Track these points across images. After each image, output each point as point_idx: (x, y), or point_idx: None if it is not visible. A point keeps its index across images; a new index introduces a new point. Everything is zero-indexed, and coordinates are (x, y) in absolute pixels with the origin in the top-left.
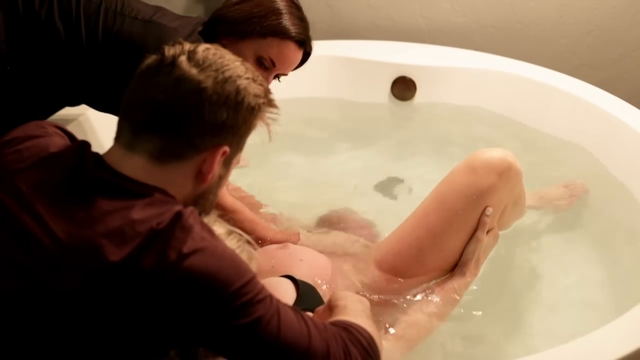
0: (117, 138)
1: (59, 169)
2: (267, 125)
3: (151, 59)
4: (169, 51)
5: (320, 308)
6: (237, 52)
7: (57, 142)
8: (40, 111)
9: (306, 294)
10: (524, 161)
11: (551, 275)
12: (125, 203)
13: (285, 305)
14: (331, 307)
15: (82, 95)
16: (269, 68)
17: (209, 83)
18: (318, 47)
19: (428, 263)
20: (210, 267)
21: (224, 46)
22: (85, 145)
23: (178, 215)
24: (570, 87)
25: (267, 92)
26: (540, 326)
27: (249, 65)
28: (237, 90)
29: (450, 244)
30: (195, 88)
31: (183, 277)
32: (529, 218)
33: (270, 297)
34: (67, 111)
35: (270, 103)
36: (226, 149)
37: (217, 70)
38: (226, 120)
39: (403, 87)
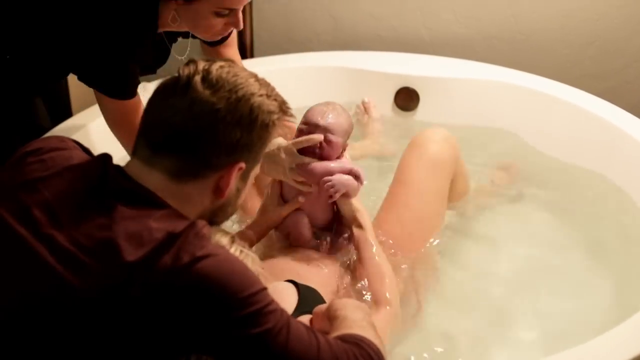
0: (135, 153)
1: (81, 178)
2: (285, 135)
3: (167, 79)
4: (184, 71)
5: (318, 311)
6: (193, 15)
7: (79, 155)
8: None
9: (307, 298)
10: (526, 170)
11: (553, 283)
12: (144, 211)
13: (300, 323)
14: (330, 318)
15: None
16: (229, 15)
17: (222, 104)
18: (321, 57)
19: (415, 237)
20: (221, 273)
21: (176, 10)
22: (108, 157)
23: (193, 224)
24: (573, 98)
25: (282, 105)
26: (538, 334)
27: (263, 80)
28: (251, 109)
29: (426, 214)
30: (209, 110)
31: (195, 279)
32: (528, 226)
33: (281, 310)
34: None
35: (286, 114)
36: (242, 165)
37: (230, 90)
38: (240, 139)
39: (406, 98)
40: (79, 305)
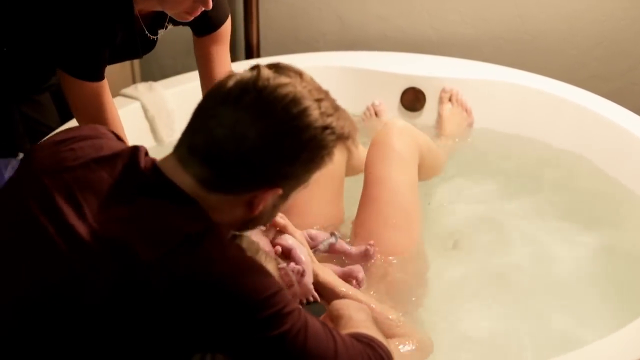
0: (176, 149)
1: (109, 168)
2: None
3: (225, 81)
4: (242, 79)
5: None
6: None
7: (111, 145)
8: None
9: (311, 309)
10: (531, 172)
11: (557, 284)
12: (168, 208)
13: (314, 319)
14: (332, 318)
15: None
16: None
17: (269, 131)
18: (328, 57)
19: (401, 229)
20: (239, 275)
21: None
22: (139, 148)
23: (212, 225)
24: (579, 99)
25: (341, 137)
26: (540, 337)
27: (327, 105)
28: (299, 143)
29: (405, 205)
30: (253, 135)
31: (212, 282)
32: (531, 227)
33: (299, 310)
34: None
35: (346, 143)
36: (279, 191)
37: (282, 120)
38: (281, 169)
39: (412, 98)
40: (93, 300)
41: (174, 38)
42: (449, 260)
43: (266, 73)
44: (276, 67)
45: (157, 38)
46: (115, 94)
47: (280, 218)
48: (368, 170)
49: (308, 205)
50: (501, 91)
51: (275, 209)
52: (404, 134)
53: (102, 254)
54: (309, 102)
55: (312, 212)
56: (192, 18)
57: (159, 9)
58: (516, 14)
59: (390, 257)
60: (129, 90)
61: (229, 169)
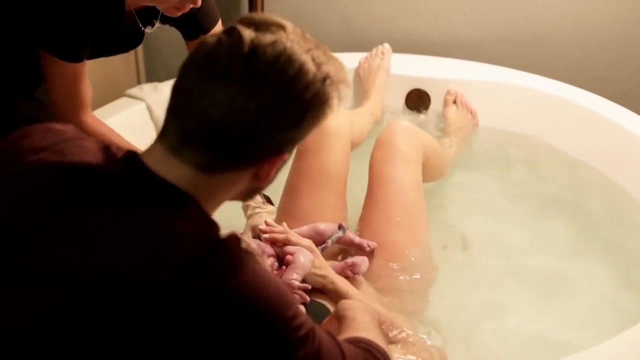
0: (162, 136)
1: (83, 182)
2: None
3: (203, 52)
4: (225, 48)
5: (326, 320)
6: None
7: (72, 150)
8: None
9: (313, 312)
10: (535, 173)
11: (561, 290)
12: (164, 218)
13: (323, 332)
14: (338, 317)
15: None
16: None
17: (270, 102)
18: None
19: (404, 229)
20: (257, 298)
21: None
22: (109, 148)
23: (222, 243)
24: (584, 101)
25: (338, 84)
26: (544, 338)
27: (318, 54)
28: (302, 105)
29: (409, 204)
30: (253, 108)
31: (229, 307)
32: (545, 232)
33: (312, 325)
34: None
35: (336, 87)
36: (285, 156)
37: (278, 83)
38: (286, 135)
39: (417, 100)
40: (95, 338)
41: (179, 38)
42: (456, 263)
43: (247, 34)
44: (255, 24)
45: (145, 31)
46: (121, 94)
47: (280, 233)
48: (372, 170)
49: (312, 210)
50: (506, 93)
51: (278, 172)
52: (409, 134)
53: (101, 289)
54: (302, 57)
55: (316, 217)
56: (179, 14)
57: (149, 3)
58: (521, 15)
59: (397, 264)
60: (134, 91)
61: (231, 147)
